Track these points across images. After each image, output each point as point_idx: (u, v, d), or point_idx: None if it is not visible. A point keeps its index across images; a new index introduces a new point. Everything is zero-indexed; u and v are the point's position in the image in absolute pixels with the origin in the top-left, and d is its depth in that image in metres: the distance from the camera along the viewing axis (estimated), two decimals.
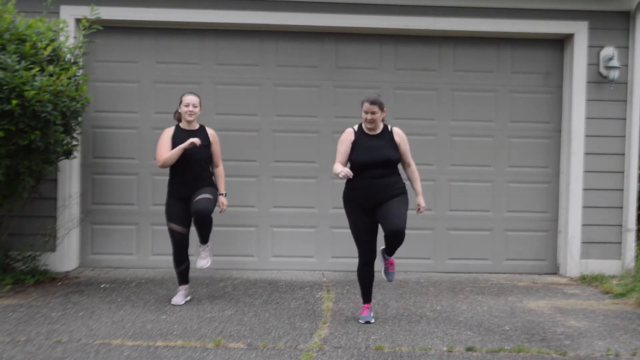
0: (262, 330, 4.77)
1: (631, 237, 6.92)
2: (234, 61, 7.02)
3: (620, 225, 6.94)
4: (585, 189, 6.92)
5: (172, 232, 5.47)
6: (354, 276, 6.73)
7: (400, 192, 4.92)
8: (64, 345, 4.35)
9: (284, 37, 7.01)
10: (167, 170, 6.89)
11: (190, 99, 5.49)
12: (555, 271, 7.16)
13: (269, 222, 7.06)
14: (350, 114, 7.03)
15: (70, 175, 6.71)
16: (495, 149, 7.13)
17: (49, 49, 5.76)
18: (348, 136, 4.98)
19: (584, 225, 6.93)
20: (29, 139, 5.64)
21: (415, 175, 5.08)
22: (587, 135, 6.91)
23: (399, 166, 5.04)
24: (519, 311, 5.51)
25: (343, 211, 6.86)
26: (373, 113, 4.86)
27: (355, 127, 5.03)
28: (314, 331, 4.78)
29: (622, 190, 6.93)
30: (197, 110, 5.50)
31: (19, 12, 5.96)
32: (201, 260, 5.56)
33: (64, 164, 6.62)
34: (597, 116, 6.91)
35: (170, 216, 5.47)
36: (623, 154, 6.92)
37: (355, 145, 4.92)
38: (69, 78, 5.88)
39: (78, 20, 6.55)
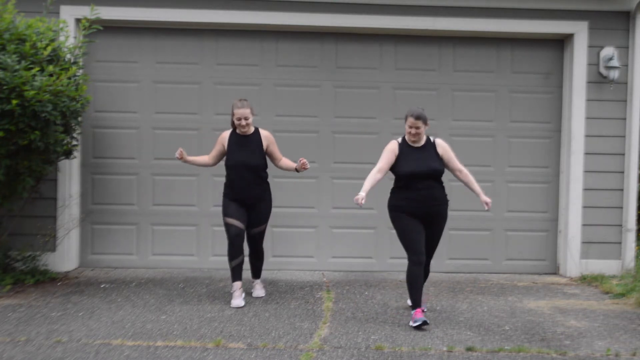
0: (262, 330, 4.77)
1: (631, 237, 6.92)
2: (234, 61, 7.02)
3: (620, 225, 6.94)
4: (585, 189, 6.92)
5: (228, 226, 5.50)
6: (354, 276, 6.78)
7: (446, 206, 5.11)
8: (64, 345, 4.35)
9: (284, 37, 7.01)
10: (169, 171, 6.93)
11: (241, 112, 5.50)
12: (555, 271, 7.16)
13: (269, 222, 7.03)
14: (350, 114, 7.05)
15: (70, 175, 6.71)
16: (495, 149, 7.13)
17: (49, 49, 5.75)
18: (393, 148, 5.09)
19: (584, 225, 6.93)
20: (29, 139, 5.64)
21: (470, 178, 5.15)
22: (587, 135, 6.91)
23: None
24: (519, 311, 5.51)
25: (343, 211, 6.94)
26: (417, 128, 4.99)
27: (399, 139, 5.15)
28: (314, 331, 4.78)
29: (622, 190, 6.93)
30: (249, 121, 5.54)
31: (19, 12, 5.96)
32: (257, 291, 5.86)
33: (64, 164, 6.61)
34: (597, 116, 6.91)
35: (227, 212, 5.53)
36: (623, 154, 6.92)
37: (400, 157, 5.04)
38: (69, 78, 5.88)
39: (78, 20, 6.55)
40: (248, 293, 5.85)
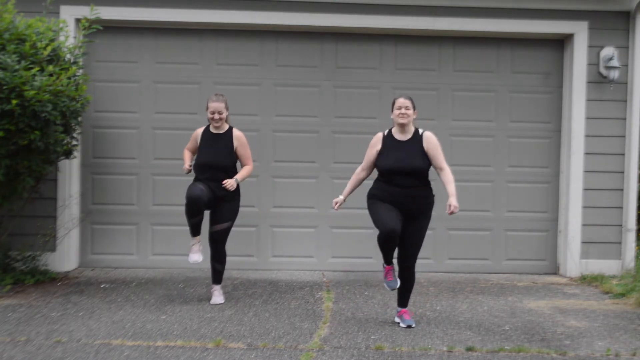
0: (262, 330, 4.77)
1: (631, 237, 6.92)
2: (234, 61, 7.02)
3: (620, 225, 6.94)
4: (585, 189, 6.92)
5: (191, 187, 5.32)
6: (354, 276, 6.78)
7: (428, 207, 4.90)
8: (64, 345, 4.35)
9: (284, 37, 7.01)
10: (169, 171, 6.93)
11: (215, 106, 5.44)
12: (555, 271, 7.16)
13: (269, 222, 7.06)
14: (350, 114, 7.05)
15: (70, 175, 6.71)
16: (495, 149, 7.13)
17: (49, 48, 5.76)
18: (376, 142, 4.94)
19: (584, 225, 6.92)
20: (29, 139, 5.64)
21: (449, 178, 4.83)
22: (587, 135, 6.91)
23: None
24: (519, 311, 5.51)
25: (343, 211, 6.87)
26: (407, 108, 4.83)
27: (386, 132, 4.99)
28: (314, 331, 4.77)
29: (622, 190, 6.93)
30: (222, 116, 5.47)
31: (18, 12, 5.96)
32: (215, 297, 5.61)
33: (64, 164, 6.61)
34: (597, 116, 6.91)
35: (192, 187, 5.33)
36: (623, 154, 6.92)
37: (382, 152, 4.89)
38: (69, 78, 5.88)
39: (78, 20, 6.55)
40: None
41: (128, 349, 4.29)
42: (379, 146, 4.92)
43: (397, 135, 4.92)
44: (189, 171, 5.54)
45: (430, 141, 4.89)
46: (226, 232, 5.54)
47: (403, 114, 4.83)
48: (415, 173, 4.80)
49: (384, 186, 4.86)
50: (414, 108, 4.91)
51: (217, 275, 5.64)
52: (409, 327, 4.91)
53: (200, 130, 5.61)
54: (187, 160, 5.62)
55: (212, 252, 5.57)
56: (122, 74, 6.95)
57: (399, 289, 4.99)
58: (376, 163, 4.93)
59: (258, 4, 6.77)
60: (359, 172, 5.07)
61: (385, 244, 4.78)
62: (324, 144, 7.06)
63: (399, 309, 5.04)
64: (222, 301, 5.59)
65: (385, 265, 4.89)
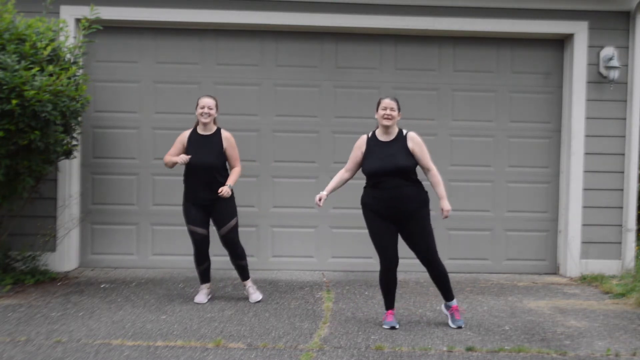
0: (262, 330, 4.77)
1: (631, 237, 6.92)
2: (234, 61, 7.02)
3: (620, 225, 6.94)
4: (585, 189, 6.92)
5: (192, 234, 5.49)
6: (354, 276, 6.78)
7: (421, 205, 4.83)
8: (64, 345, 4.35)
9: (284, 37, 7.01)
10: (169, 171, 6.91)
11: (205, 101, 5.47)
12: (555, 271, 7.16)
13: (269, 222, 7.06)
14: (350, 114, 7.05)
15: (70, 175, 6.71)
16: (495, 149, 7.13)
17: (49, 48, 5.76)
18: (360, 144, 4.94)
19: (584, 225, 6.93)
20: (29, 139, 5.64)
21: (436, 179, 4.87)
22: (587, 135, 6.91)
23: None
24: (519, 311, 5.51)
25: (343, 211, 6.94)
26: (392, 109, 4.82)
27: (369, 133, 4.98)
28: (314, 331, 4.78)
29: (622, 190, 6.93)
30: (212, 112, 5.47)
31: (18, 12, 5.96)
32: (252, 295, 5.64)
33: (64, 164, 6.62)
34: (597, 116, 6.91)
35: (189, 218, 5.49)
36: (623, 154, 6.92)
37: (366, 153, 4.88)
38: (69, 78, 5.88)
39: (78, 20, 6.55)
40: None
41: (128, 349, 4.29)
42: (363, 148, 4.92)
43: (381, 136, 4.91)
44: (188, 159, 5.36)
45: (415, 141, 4.88)
46: (235, 228, 5.54)
47: (388, 115, 4.83)
48: (400, 172, 4.77)
49: (373, 192, 4.84)
50: (399, 110, 4.90)
51: (244, 272, 5.65)
52: (459, 327, 4.91)
53: (186, 134, 5.57)
54: (176, 157, 5.45)
55: (230, 252, 5.57)
56: (122, 74, 6.95)
57: (437, 284, 4.97)
58: (362, 166, 4.91)
59: (258, 4, 6.77)
60: (343, 172, 5.04)
61: (386, 282, 4.91)
62: (324, 144, 7.06)
63: (449, 303, 5.00)
64: (261, 296, 5.64)
65: (386, 310, 4.99)
